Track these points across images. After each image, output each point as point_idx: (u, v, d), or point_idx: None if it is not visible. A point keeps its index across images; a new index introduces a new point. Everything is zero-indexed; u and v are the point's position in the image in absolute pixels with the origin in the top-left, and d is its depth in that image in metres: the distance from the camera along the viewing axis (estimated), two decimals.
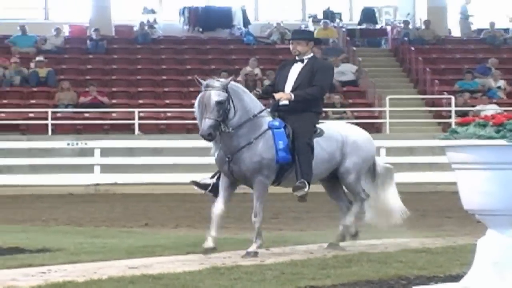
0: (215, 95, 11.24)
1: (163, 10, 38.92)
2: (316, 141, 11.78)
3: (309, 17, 39.92)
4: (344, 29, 37.78)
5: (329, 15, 39.12)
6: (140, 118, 29.08)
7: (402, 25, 38.08)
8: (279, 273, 9.85)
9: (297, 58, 12.07)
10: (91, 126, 29.19)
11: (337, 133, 12.12)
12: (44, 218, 18.29)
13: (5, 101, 30.13)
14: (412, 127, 30.83)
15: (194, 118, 30.90)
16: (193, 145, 27.54)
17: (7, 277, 9.80)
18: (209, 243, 11.54)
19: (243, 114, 11.50)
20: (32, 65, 31.70)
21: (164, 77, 32.91)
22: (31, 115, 29.24)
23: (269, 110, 11.91)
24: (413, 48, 35.05)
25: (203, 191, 11.90)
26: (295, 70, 11.99)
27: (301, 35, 12.72)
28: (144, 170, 26.93)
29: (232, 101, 11.40)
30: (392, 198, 12.54)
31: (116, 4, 37.30)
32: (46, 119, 28.71)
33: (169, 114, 30.26)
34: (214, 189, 11.76)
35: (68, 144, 27.81)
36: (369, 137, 12.54)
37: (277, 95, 11.81)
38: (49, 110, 28.85)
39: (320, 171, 11.88)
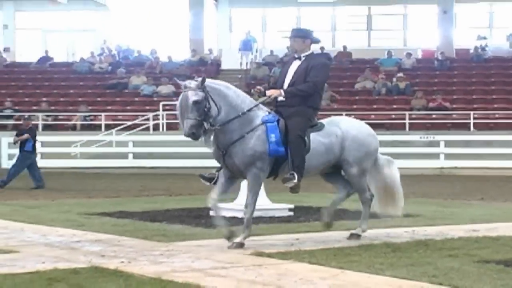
0: (192, 95, 8.84)
1: (493, 36, 37.83)
2: (314, 135, 9.33)
3: None
4: None
5: None
6: (474, 118, 28.46)
7: None
8: None
9: (295, 55, 9.61)
10: (437, 125, 28.87)
11: (337, 127, 9.53)
12: (405, 192, 18.11)
13: (374, 106, 30.48)
14: None
15: None
16: None
17: (381, 234, 9.89)
18: (224, 232, 9.15)
19: (230, 110, 9.04)
20: (394, 79, 31.82)
21: (493, 87, 31.88)
22: (393, 116, 29.36)
23: (262, 105, 9.37)
24: None
25: (208, 184, 9.36)
26: (293, 67, 9.49)
27: (297, 32, 9.70)
28: (478, 158, 26.42)
29: (212, 98, 8.95)
30: (398, 190, 10.07)
31: (457, 33, 36.83)
32: (404, 119, 28.73)
33: (497, 115, 29.31)
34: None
35: (420, 137, 27.77)
36: (371, 132, 9.91)
37: (268, 92, 9.38)
38: (406, 113, 28.86)
39: (317, 164, 9.36)
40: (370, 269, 7.33)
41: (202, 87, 8.89)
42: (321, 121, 9.60)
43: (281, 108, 9.35)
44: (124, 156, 27.96)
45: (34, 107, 31.24)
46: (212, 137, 9.06)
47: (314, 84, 9.33)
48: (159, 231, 10.20)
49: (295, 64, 9.49)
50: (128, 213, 12.62)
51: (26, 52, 40.02)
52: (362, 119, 30.90)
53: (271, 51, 36.21)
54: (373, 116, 29.37)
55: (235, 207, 12.17)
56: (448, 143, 27.09)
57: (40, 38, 41.29)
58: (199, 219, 11.72)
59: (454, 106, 30.09)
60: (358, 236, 9.62)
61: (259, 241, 9.28)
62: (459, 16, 38.04)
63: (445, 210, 13.21)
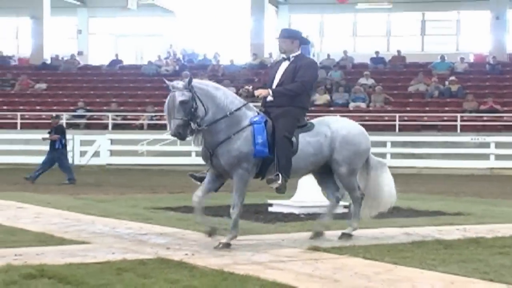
0: (179, 96, 8.41)
1: None
2: (303, 135, 8.88)
3: None
4: None
5: None
6: None
7: None
8: None
9: (284, 56, 9.22)
10: (488, 126, 28.37)
11: (326, 128, 9.06)
12: (455, 191, 18.09)
13: (427, 108, 29.98)
14: None
15: None
16: None
17: (432, 232, 9.80)
18: (206, 229, 9.01)
19: (217, 111, 8.61)
20: (446, 83, 31.41)
21: None
22: (445, 118, 28.92)
23: (251, 105, 8.94)
24: None
25: (199, 183, 9.08)
26: (282, 67, 9.10)
27: (286, 33, 9.34)
28: None
29: (199, 99, 8.52)
30: (381, 189, 9.42)
31: (510, 38, 36.08)
32: (456, 120, 28.32)
33: None
34: None
35: (472, 138, 27.37)
36: (362, 131, 9.34)
37: (256, 92, 8.98)
38: (458, 115, 28.46)
39: (305, 165, 8.94)
40: (423, 265, 7.28)
41: (189, 87, 8.50)
42: (312, 121, 9.20)
43: (269, 108, 8.97)
44: (187, 154, 28.11)
45: (105, 107, 31.65)
46: (200, 137, 8.70)
47: (302, 83, 8.93)
48: (220, 226, 10.25)
49: (284, 65, 9.14)
50: (192, 208, 12.64)
51: (98, 56, 40.58)
52: (415, 121, 30.75)
53: (328, 55, 36.06)
54: (425, 118, 29.06)
55: (293, 203, 12.18)
56: (498, 145, 26.69)
57: (111, 43, 41.88)
58: (258, 214, 11.79)
59: (505, 108, 29.55)
60: (349, 236, 9.17)
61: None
62: (511, 21, 37.41)
63: (495, 209, 13.00)
